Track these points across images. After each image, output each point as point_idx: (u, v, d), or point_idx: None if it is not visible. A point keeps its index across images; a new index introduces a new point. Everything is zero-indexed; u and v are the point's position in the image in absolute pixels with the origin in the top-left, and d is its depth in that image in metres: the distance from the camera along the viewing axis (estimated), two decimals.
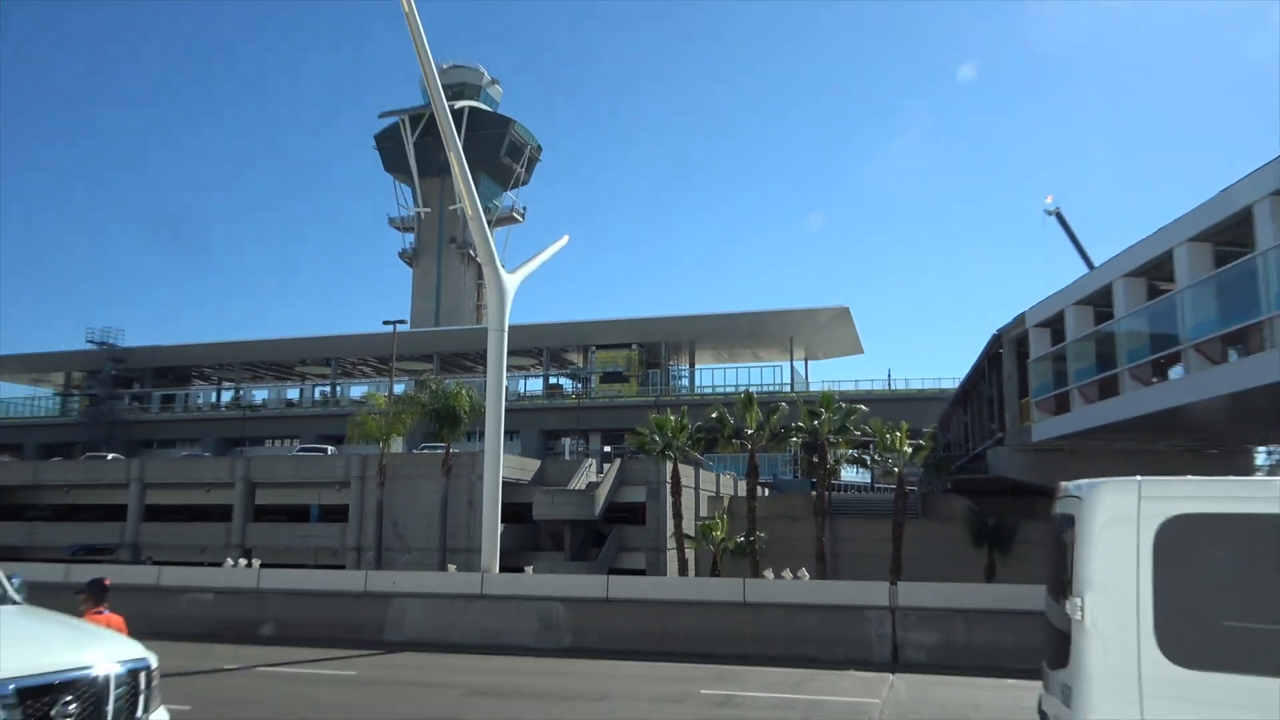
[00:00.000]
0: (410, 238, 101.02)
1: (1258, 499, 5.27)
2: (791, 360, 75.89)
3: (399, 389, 59.44)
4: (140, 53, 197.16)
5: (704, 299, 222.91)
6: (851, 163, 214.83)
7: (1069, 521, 5.72)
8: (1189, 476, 5.59)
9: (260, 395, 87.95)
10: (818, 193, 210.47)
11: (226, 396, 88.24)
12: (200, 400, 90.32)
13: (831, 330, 73.42)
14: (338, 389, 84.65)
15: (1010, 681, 14.71)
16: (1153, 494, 5.26)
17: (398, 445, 45.89)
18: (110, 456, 57.62)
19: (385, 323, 49.79)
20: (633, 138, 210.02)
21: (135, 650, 6.66)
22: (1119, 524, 5.23)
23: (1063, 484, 6.30)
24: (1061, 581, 5.78)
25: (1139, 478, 5.37)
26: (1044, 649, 6.54)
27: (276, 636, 20.46)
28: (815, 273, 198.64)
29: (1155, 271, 22.92)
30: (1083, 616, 5.17)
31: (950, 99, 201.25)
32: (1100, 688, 5.03)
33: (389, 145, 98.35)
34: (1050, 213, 59.89)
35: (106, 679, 6.12)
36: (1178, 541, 5.11)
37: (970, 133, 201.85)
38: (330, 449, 54.54)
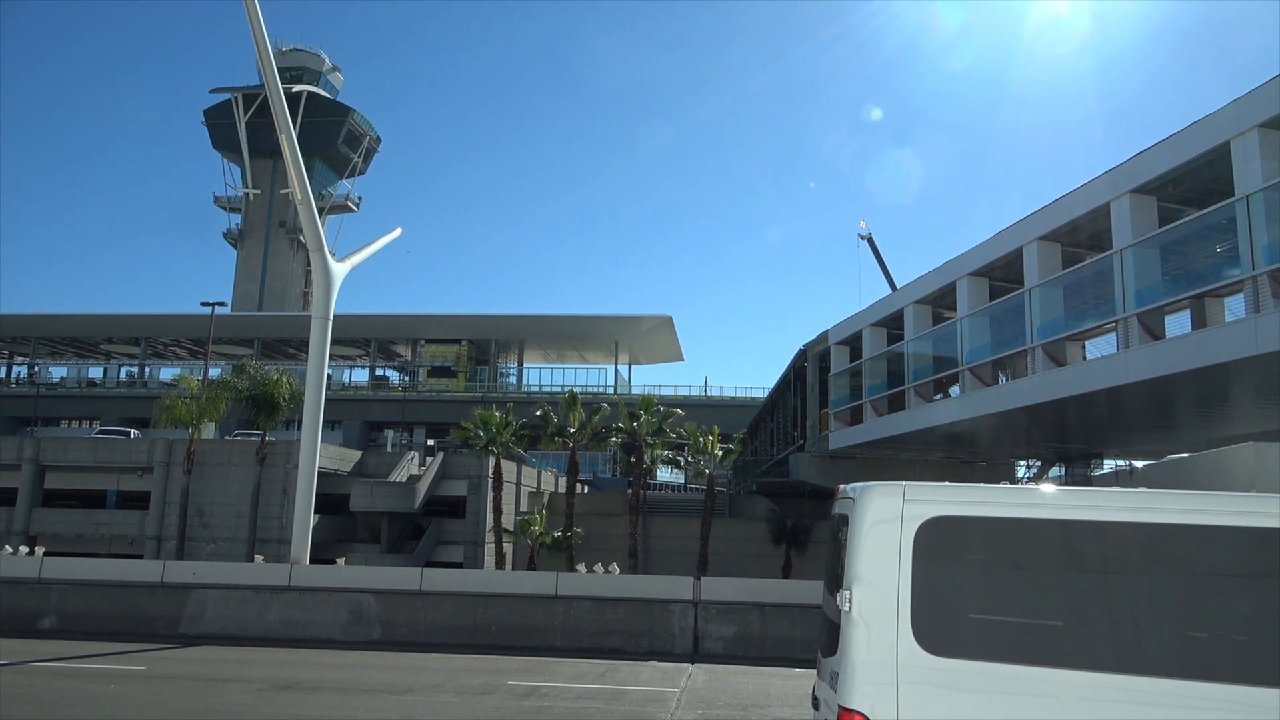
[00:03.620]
0: (237, 218, 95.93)
1: (1003, 504, 5.72)
2: (616, 364, 77.45)
3: (215, 373, 56.21)
4: None
5: (535, 300, 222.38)
6: (690, 175, 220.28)
7: (844, 521, 6.03)
8: (948, 483, 6.07)
9: (59, 373, 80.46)
10: (654, 200, 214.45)
11: (20, 372, 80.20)
12: None
13: (655, 337, 75.44)
14: (147, 370, 78.98)
15: (798, 671, 15.55)
16: (915, 497, 5.60)
17: (210, 431, 43.51)
18: None
19: (203, 304, 47.10)
20: (476, 138, 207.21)
21: None
22: (885, 524, 5.56)
23: (841, 486, 6.58)
24: (835, 576, 6.07)
25: (904, 482, 5.71)
26: (819, 638, 6.86)
27: (59, 630, 19.11)
28: (643, 281, 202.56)
29: (941, 300, 25.26)
30: (850, 608, 5.46)
31: (778, 118, 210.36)
32: (862, 674, 5.34)
33: (220, 122, 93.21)
34: (863, 237, 63.84)
35: None
36: (934, 541, 5.48)
37: (796, 152, 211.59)
38: (134, 432, 51.28)
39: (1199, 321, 17.86)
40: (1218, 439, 23.95)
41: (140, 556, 37.53)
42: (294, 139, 22.21)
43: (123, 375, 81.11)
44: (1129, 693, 5.07)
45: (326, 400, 24.76)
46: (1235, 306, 16.51)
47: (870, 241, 63.55)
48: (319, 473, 23.75)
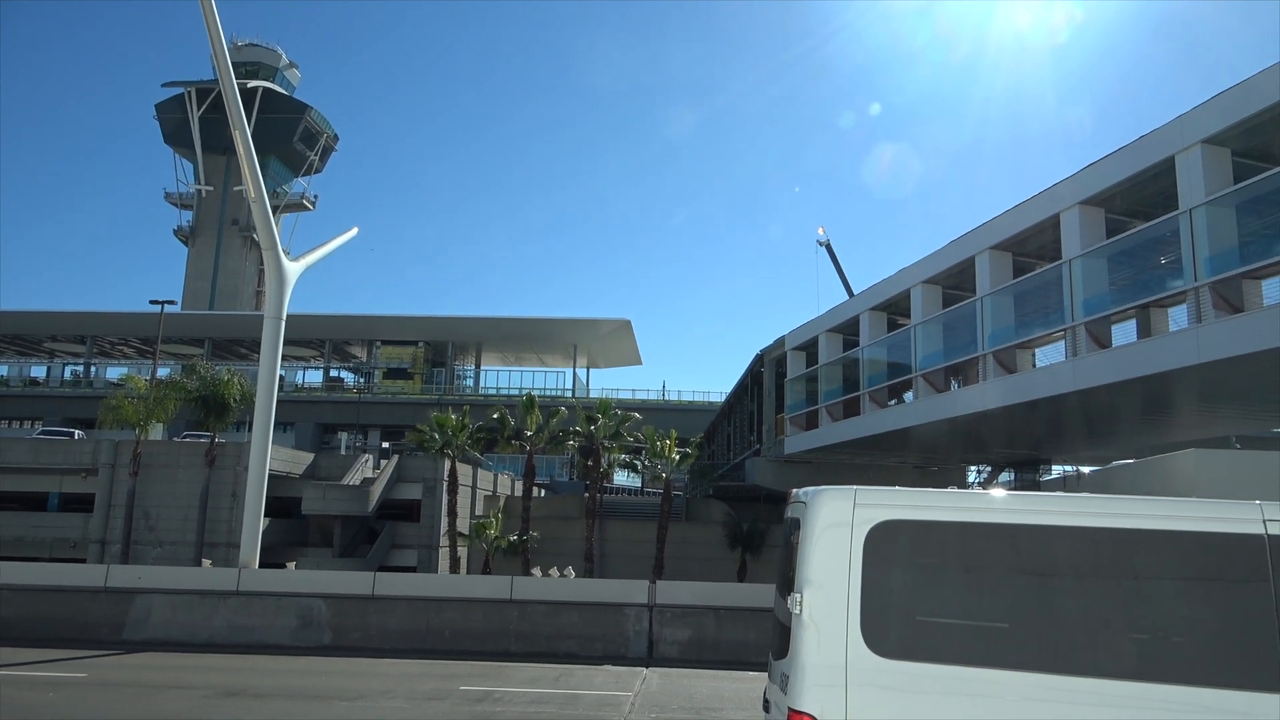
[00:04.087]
0: (189, 215, 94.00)
1: (951, 509, 5.79)
2: (574, 367, 77.28)
3: (163, 373, 55.04)
4: None
5: (493, 303, 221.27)
6: (650, 181, 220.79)
7: (796, 525, 6.06)
8: (898, 487, 6.07)
9: (0, 371, 78.19)
10: (609, 205, 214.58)
11: None
12: None
13: (613, 341, 75.44)
14: (93, 369, 77.03)
15: (752, 674, 15.65)
16: (866, 501, 5.65)
17: (158, 432, 42.60)
18: None
19: (152, 302, 46.06)
20: (435, 139, 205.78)
21: None
22: (836, 528, 5.60)
23: (794, 491, 6.59)
24: (787, 579, 6.06)
25: (855, 487, 5.77)
26: (771, 641, 6.85)
27: None
28: (601, 284, 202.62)
29: (895, 307, 25.60)
30: (801, 611, 5.49)
31: (731, 125, 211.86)
32: (812, 676, 5.38)
33: (172, 117, 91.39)
34: (821, 244, 64.50)
35: None
36: (884, 544, 5.53)
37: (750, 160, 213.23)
38: (78, 433, 49.94)
39: (1144, 331, 18.30)
40: (1161, 445, 24.59)
41: (83, 561, 36.67)
42: (248, 135, 21.85)
43: (67, 374, 78.90)
44: (1073, 693, 5.18)
45: (279, 401, 24.43)
46: (1179, 316, 16.94)
47: (828, 248, 64.28)
48: (270, 475, 23.38)
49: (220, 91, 21.79)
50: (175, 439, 48.04)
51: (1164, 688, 5.14)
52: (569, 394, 71.91)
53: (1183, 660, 5.29)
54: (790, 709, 5.43)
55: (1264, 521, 5.31)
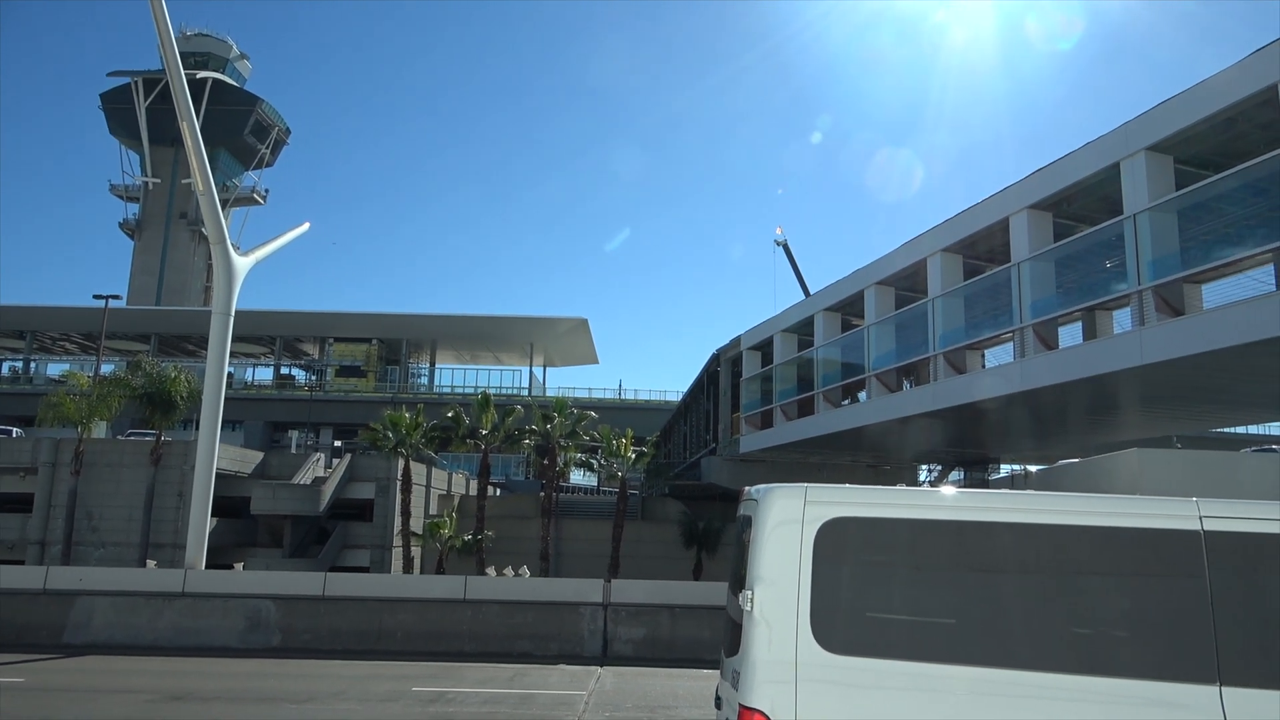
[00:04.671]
0: (135, 208, 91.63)
1: (899, 506, 5.82)
2: (531, 365, 76.99)
3: (108, 369, 53.72)
4: None
5: (449, 301, 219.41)
6: (608, 178, 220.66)
7: (748, 523, 6.04)
8: (848, 485, 6.03)
9: None
10: (565, 203, 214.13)
11: None
12: None
13: (570, 339, 75.25)
14: (33, 365, 74.84)
15: (707, 672, 15.64)
16: (816, 499, 5.64)
17: (101, 431, 41.51)
18: None
19: (96, 296, 44.81)
20: (390, 133, 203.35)
21: None
22: (787, 525, 5.59)
23: (746, 488, 6.57)
24: (739, 576, 6.04)
25: (806, 485, 5.76)
26: (723, 639, 6.85)
27: None
28: (558, 282, 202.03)
29: (849, 308, 25.90)
30: (752, 608, 5.48)
31: (683, 132, 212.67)
32: (763, 672, 5.37)
33: (118, 107, 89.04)
34: (779, 243, 64.95)
35: None
36: (834, 542, 5.53)
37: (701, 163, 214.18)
38: (16, 431, 48.57)
39: (1090, 333, 18.73)
40: (1106, 445, 25.18)
41: (21, 563, 35.59)
42: (196, 127, 21.43)
43: (4, 370, 76.87)
44: (1018, 687, 5.26)
45: (227, 399, 24.04)
46: (1123, 319, 17.37)
47: (786, 248, 64.71)
48: (218, 474, 22.98)
49: (168, 82, 21.33)
50: (119, 437, 46.96)
51: (1104, 680, 5.26)
52: (525, 393, 71.66)
53: (1123, 653, 5.41)
54: (741, 705, 5.44)
55: (1200, 518, 5.46)
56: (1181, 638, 5.32)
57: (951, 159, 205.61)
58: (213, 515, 22.55)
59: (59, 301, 72.54)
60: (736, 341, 33.64)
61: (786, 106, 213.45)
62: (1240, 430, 46.67)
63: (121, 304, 60.15)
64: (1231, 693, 5.12)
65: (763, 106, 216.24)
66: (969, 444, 29.22)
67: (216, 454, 22.60)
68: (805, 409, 27.65)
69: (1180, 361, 14.96)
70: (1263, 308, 13.53)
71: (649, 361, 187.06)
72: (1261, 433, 51.33)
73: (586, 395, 70.99)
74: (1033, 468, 33.55)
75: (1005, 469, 34.34)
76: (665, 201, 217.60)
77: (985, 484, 30.45)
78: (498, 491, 52.98)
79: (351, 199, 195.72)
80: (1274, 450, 33.03)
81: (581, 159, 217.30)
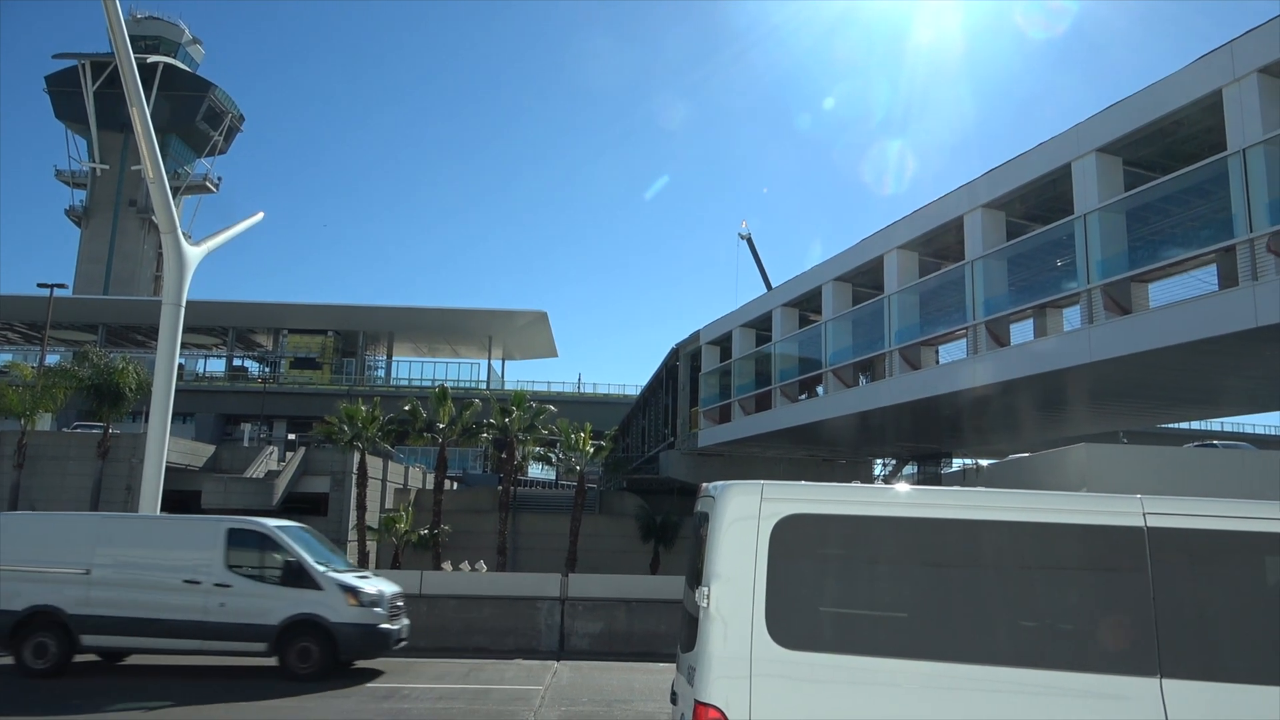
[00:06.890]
0: (82, 194, 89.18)
1: (854, 502, 5.82)
2: (489, 359, 76.52)
3: (53, 360, 52.30)
4: None
5: (407, 293, 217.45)
6: (565, 171, 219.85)
7: (705, 519, 6.04)
8: (804, 482, 6.14)
9: None
10: (528, 194, 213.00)
11: None
12: None
13: (529, 332, 74.92)
14: None
15: (663, 666, 15.67)
16: (772, 496, 5.65)
17: (46, 423, 40.43)
18: None
19: (41, 285, 43.59)
20: (346, 120, 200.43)
21: None
22: (743, 521, 5.59)
23: (704, 485, 6.59)
24: (696, 572, 6.07)
25: (762, 481, 5.77)
26: (679, 634, 6.86)
27: None
28: (518, 274, 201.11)
29: (807, 304, 26.10)
30: (708, 604, 5.47)
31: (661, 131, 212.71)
32: (718, 668, 5.37)
33: (64, 90, 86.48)
34: (743, 237, 65.30)
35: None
36: (789, 538, 5.54)
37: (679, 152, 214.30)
38: None
39: (1040, 330, 19.08)
40: (1057, 440, 25.72)
41: None
42: (146, 112, 20.92)
43: None
44: (970, 680, 5.34)
45: (178, 391, 23.56)
46: (1073, 317, 17.72)
47: (749, 242, 65.08)
48: (168, 468, 22.50)
49: (117, 66, 20.79)
50: (65, 430, 45.79)
51: (1051, 673, 5.37)
52: (484, 386, 71.19)
53: (1068, 647, 5.52)
54: (696, 701, 5.45)
55: (1144, 515, 5.59)
56: (1124, 632, 5.45)
57: (944, 152, 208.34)
58: (163, 510, 22.09)
59: (1, 289, 70.53)
60: (696, 336, 33.74)
61: (758, 105, 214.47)
62: (1184, 426, 47.91)
63: (68, 293, 58.61)
64: (1171, 684, 5.25)
65: (734, 105, 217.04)
66: (923, 438, 29.63)
67: (167, 447, 22.14)
68: (763, 403, 27.82)
69: (1127, 359, 15.31)
70: (1205, 307, 13.89)
71: (608, 355, 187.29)
72: (1203, 428, 52.76)
73: (545, 389, 70.77)
74: (984, 462, 34.12)
75: (957, 463, 34.89)
76: (627, 197, 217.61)
77: (938, 478, 30.90)
78: (455, 485, 52.65)
79: (310, 189, 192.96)
80: (1215, 445, 33.95)
81: (548, 156, 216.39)
